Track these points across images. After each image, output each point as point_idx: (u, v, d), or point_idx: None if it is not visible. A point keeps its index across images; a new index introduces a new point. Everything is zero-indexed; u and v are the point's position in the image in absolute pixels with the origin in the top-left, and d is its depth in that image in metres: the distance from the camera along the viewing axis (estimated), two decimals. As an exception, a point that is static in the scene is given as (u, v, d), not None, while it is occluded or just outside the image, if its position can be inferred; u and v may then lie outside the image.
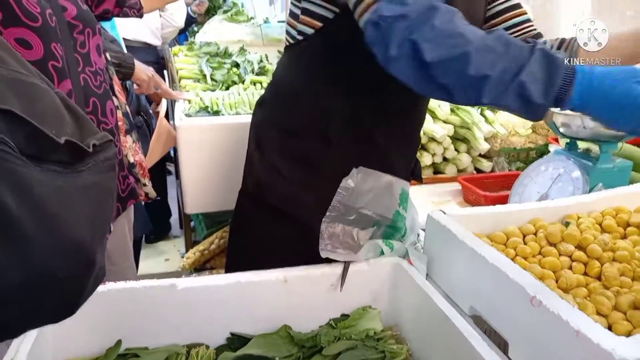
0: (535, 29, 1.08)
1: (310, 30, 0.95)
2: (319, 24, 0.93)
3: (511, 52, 0.70)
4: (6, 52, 0.40)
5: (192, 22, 4.36)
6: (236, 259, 1.14)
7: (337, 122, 0.96)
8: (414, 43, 0.70)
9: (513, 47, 0.71)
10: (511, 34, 1.05)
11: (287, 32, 1.03)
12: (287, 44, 1.03)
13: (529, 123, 1.85)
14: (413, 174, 1.14)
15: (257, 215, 1.06)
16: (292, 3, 1.01)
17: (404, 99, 1.02)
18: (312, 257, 0.88)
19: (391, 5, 0.73)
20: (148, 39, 3.16)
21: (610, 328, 0.68)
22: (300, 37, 0.97)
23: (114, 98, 1.14)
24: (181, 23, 3.56)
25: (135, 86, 1.69)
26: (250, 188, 1.08)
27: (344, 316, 0.87)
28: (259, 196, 1.05)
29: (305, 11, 0.95)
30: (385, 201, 0.95)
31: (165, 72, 2.79)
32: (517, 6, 1.08)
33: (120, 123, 1.17)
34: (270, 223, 1.03)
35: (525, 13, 1.08)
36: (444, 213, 0.90)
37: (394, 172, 0.99)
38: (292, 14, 1.00)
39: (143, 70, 1.62)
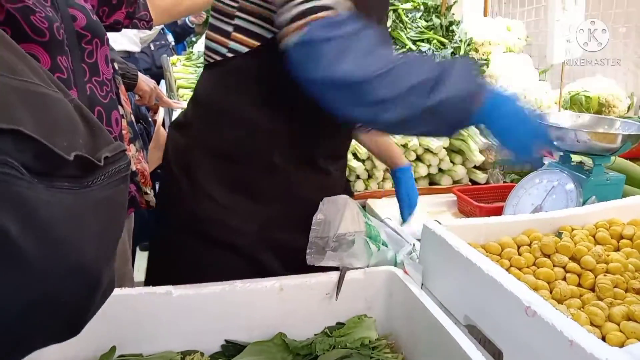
0: None
1: (243, 49, 0.89)
2: (256, 43, 0.88)
3: (431, 61, 0.79)
4: (20, 60, 0.40)
5: (190, 33, 4.39)
6: None
7: (280, 146, 0.91)
8: (343, 65, 0.73)
9: (430, 58, 0.79)
10: None
11: (211, 49, 0.94)
12: (211, 60, 0.94)
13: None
14: (346, 192, 1.09)
15: (196, 249, 0.96)
16: (218, 19, 0.92)
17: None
18: None
19: (321, 28, 0.75)
20: (127, 46, 3.19)
21: (603, 339, 0.69)
22: (230, 55, 0.90)
23: (119, 107, 1.15)
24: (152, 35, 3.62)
25: (136, 97, 1.69)
26: (182, 219, 0.97)
27: (340, 324, 0.87)
28: (194, 228, 0.95)
29: (238, 29, 0.89)
30: (351, 218, 0.95)
31: (163, 81, 2.80)
32: None
33: (124, 132, 1.17)
34: (212, 256, 0.94)
35: None
36: (439, 223, 0.90)
37: (335, 192, 1.00)
38: (219, 30, 0.92)
39: (146, 82, 1.63)
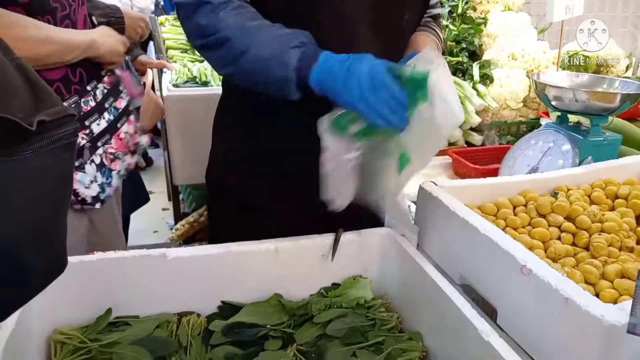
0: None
1: None
2: None
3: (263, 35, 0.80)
4: None
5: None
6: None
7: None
8: (186, 31, 0.88)
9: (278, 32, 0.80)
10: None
11: None
12: None
13: (521, 96, 1.85)
14: None
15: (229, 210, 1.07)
16: None
17: None
18: None
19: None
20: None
21: (597, 296, 0.69)
22: None
23: None
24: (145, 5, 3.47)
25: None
26: (217, 184, 1.10)
27: (335, 285, 0.87)
28: (224, 192, 1.07)
29: None
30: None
31: (151, 42, 2.72)
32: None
33: None
34: (240, 218, 1.03)
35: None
36: (436, 185, 0.90)
37: None
38: None
39: (133, 27, 1.51)
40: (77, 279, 0.77)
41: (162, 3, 4.21)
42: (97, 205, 1.05)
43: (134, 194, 1.72)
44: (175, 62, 2.07)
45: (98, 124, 1.03)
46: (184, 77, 1.81)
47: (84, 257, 0.78)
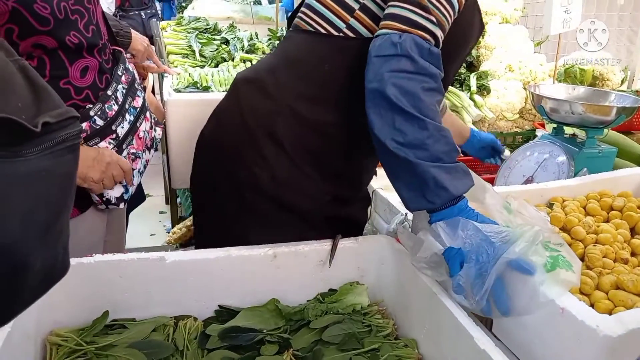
0: None
1: (366, 32, 0.88)
2: (377, 28, 0.84)
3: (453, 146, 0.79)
4: None
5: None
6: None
7: (368, 136, 0.84)
8: (398, 89, 0.76)
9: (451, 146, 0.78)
10: None
11: (324, 17, 0.90)
12: (321, 30, 0.91)
13: (517, 108, 1.87)
14: None
15: (267, 210, 0.96)
16: None
17: None
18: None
19: (413, 44, 0.77)
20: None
21: (592, 306, 0.70)
22: (349, 33, 0.88)
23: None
24: (104, 7, 3.48)
25: (129, 55, 1.63)
26: (259, 180, 0.95)
27: (332, 291, 0.88)
28: (270, 189, 0.95)
29: (364, 9, 0.87)
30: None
31: (152, 47, 2.73)
32: None
33: None
34: (281, 219, 0.96)
35: None
36: (433, 193, 0.90)
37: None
38: (342, 3, 0.89)
39: (139, 41, 1.56)
40: (74, 281, 0.77)
41: (159, 13, 4.24)
42: (121, 205, 1.06)
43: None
44: (176, 67, 2.08)
45: (122, 127, 1.01)
46: (185, 82, 1.82)
47: (82, 259, 0.78)
